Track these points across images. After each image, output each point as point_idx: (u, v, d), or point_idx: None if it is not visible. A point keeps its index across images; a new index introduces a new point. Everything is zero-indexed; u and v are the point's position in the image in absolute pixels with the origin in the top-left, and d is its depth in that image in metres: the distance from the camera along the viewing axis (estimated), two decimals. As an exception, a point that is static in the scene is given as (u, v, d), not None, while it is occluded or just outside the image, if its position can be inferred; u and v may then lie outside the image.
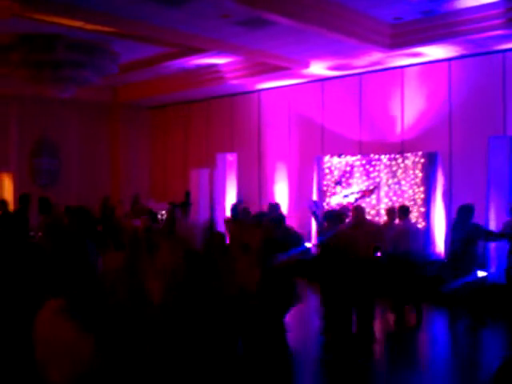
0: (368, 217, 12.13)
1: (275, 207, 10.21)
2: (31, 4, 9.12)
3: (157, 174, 18.65)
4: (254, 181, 15.58)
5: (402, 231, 9.00)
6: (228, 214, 13.60)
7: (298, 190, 14.42)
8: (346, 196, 12.57)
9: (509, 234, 8.30)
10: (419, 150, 11.80)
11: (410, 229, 9.24)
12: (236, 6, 8.67)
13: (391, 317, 8.88)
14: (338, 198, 12.43)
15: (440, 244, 11.42)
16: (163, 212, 13.73)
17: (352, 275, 7.35)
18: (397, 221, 9.27)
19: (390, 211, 9.54)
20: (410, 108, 12.52)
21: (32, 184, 16.35)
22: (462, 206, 8.48)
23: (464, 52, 11.24)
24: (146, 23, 10.22)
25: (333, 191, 12.63)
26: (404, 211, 9.20)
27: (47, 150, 16.84)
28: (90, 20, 9.85)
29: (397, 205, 10.70)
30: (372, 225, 8.90)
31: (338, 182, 12.39)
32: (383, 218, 12.03)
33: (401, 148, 12.37)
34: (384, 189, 12.20)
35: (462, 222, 8.30)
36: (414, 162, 11.74)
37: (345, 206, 11.46)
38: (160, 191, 18.02)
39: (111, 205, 13.61)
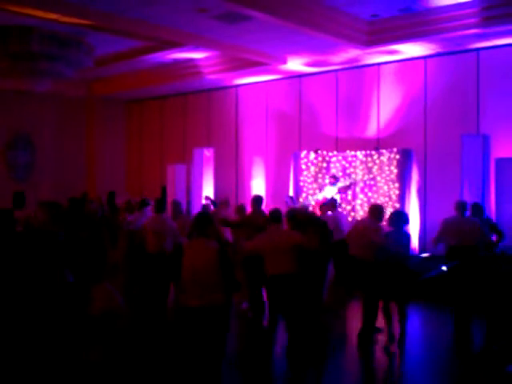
0: (344, 212, 12.23)
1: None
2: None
3: (133, 168, 18.51)
4: (232, 176, 15.57)
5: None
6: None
7: (275, 185, 14.45)
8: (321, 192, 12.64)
9: None
10: (394, 147, 11.91)
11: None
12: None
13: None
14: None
15: (414, 239, 11.55)
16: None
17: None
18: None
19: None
20: (385, 105, 12.61)
21: (7, 177, 16.14)
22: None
23: (439, 50, 11.36)
24: (122, 16, 10.13)
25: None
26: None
27: (22, 144, 16.62)
28: (66, 12, 9.73)
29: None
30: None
31: (334, 176, 12.37)
32: (359, 213, 12.15)
33: (376, 144, 12.46)
34: (359, 185, 12.30)
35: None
36: (389, 159, 11.85)
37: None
38: (136, 186, 17.90)
39: (90, 201, 13.57)
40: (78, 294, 4.09)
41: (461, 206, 8.71)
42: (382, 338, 7.41)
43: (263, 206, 9.47)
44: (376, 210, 7.44)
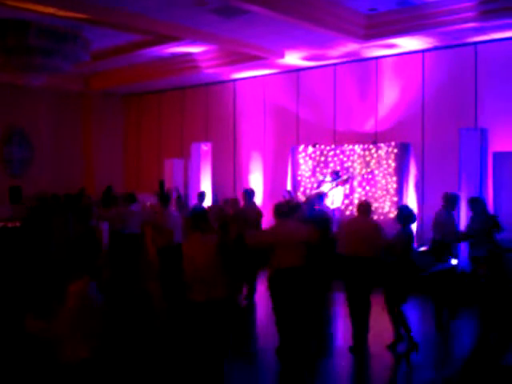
0: (342, 207, 12.25)
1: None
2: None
3: (130, 163, 18.49)
4: (229, 171, 15.57)
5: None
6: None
7: (273, 179, 14.45)
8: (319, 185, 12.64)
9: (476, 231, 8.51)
10: (392, 141, 11.92)
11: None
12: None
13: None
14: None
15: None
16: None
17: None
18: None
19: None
20: (383, 99, 12.61)
21: (3, 173, 16.09)
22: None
23: (437, 44, 11.35)
24: (120, 10, 10.09)
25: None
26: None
27: (17, 139, 16.55)
28: (62, 6, 9.69)
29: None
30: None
31: (335, 172, 12.33)
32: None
33: (374, 138, 12.47)
34: (357, 178, 12.30)
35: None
36: (387, 152, 11.86)
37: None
38: (133, 181, 17.89)
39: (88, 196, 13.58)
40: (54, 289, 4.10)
41: (445, 199, 8.62)
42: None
43: (259, 201, 9.53)
44: (367, 207, 7.47)
